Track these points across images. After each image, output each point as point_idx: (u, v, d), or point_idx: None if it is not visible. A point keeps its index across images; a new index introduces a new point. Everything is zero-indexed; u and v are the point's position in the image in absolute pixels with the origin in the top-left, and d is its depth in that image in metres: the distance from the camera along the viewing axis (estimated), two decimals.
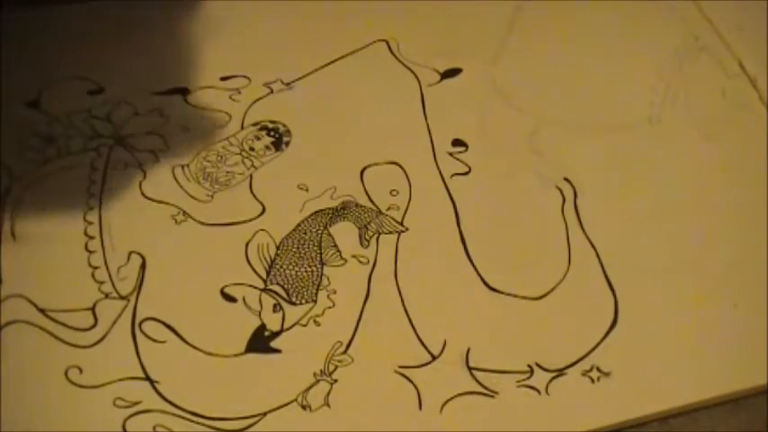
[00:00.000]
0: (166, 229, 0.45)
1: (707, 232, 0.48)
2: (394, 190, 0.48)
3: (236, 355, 0.41)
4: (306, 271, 0.44)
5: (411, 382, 0.41)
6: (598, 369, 0.42)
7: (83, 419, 0.39)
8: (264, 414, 0.40)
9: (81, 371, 0.40)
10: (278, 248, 0.45)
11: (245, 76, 0.52)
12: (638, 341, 0.44)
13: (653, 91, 0.55)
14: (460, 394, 0.41)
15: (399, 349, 0.42)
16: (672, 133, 0.53)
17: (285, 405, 0.40)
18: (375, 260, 0.45)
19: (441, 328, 0.43)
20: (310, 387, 0.41)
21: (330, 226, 0.46)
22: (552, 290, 0.45)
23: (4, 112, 0.48)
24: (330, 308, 0.43)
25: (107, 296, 0.42)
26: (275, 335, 0.42)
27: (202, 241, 0.45)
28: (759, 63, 0.56)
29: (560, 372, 0.42)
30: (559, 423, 0.41)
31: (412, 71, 0.54)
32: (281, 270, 0.44)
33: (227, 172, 0.48)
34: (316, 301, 0.43)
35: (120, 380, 0.40)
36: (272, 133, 0.50)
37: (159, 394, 0.40)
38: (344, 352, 0.42)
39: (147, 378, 0.40)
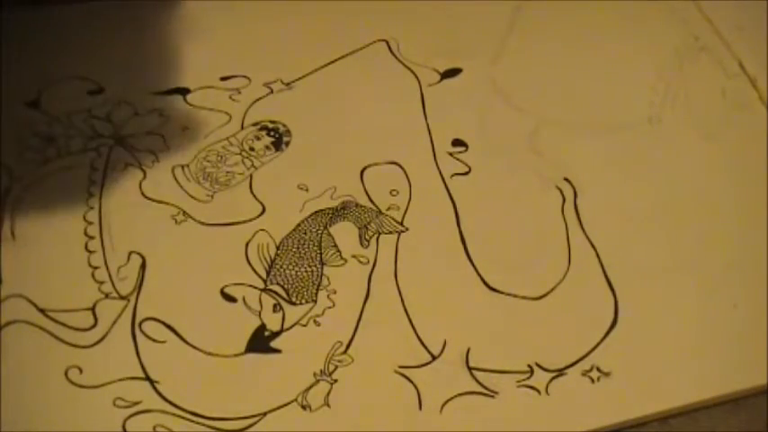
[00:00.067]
0: (166, 229, 0.45)
1: (707, 232, 0.48)
2: (394, 190, 0.48)
3: (236, 355, 0.41)
4: (306, 271, 0.44)
5: (411, 382, 0.41)
6: (598, 369, 0.42)
7: (83, 419, 0.39)
8: (264, 414, 0.40)
9: (81, 371, 0.40)
10: (278, 248, 0.45)
11: (245, 76, 0.52)
12: (638, 341, 0.43)
13: (653, 91, 0.55)
14: (460, 394, 0.41)
15: (399, 349, 0.42)
16: (672, 133, 0.53)
17: (285, 405, 0.40)
18: (375, 260, 0.45)
19: (441, 327, 0.43)
20: (310, 387, 0.41)
21: (330, 226, 0.46)
22: (552, 290, 0.45)
23: (4, 112, 0.48)
24: (330, 308, 0.43)
25: (107, 296, 0.42)
26: (275, 335, 0.42)
27: (202, 241, 0.45)
28: (759, 63, 0.56)
29: (560, 372, 0.42)
30: (559, 423, 0.41)
31: (412, 71, 0.54)
32: (281, 270, 0.44)
33: (227, 172, 0.48)
34: (316, 301, 0.43)
35: (120, 380, 0.40)
36: (272, 133, 0.50)
37: (159, 394, 0.40)
38: (344, 352, 0.42)
39: (147, 378, 0.40)
